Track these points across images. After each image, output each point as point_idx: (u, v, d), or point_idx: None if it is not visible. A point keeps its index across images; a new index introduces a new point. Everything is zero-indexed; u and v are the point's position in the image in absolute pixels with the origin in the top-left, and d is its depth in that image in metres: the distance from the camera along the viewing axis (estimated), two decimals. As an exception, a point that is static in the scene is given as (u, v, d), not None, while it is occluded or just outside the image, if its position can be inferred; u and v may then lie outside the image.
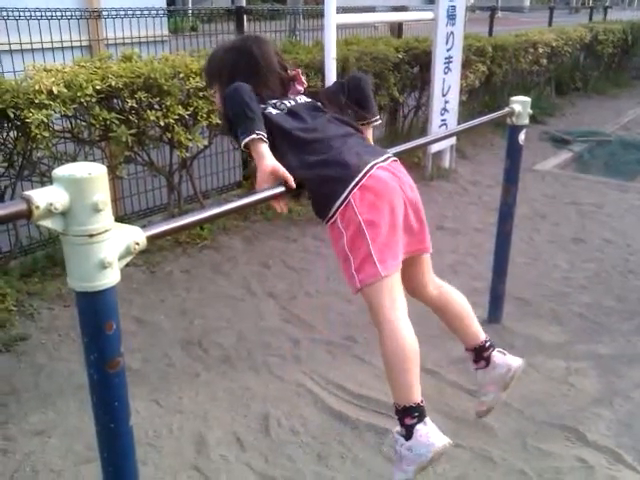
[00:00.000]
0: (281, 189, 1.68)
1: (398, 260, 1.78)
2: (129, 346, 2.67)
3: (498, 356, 1.95)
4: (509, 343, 2.84)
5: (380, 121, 2.09)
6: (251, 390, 2.48)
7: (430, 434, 1.67)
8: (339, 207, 1.73)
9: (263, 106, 1.81)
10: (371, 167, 1.75)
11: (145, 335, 2.86)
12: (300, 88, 1.97)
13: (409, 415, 1.69)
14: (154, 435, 2.22)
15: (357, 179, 1.72)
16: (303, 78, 1.99)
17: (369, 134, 2.05)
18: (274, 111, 1.82)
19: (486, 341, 1.94)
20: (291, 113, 1.83)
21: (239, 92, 1.70)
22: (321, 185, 1.74)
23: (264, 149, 1.68)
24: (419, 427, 1.68)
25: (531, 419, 2.33)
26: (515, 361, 1.94)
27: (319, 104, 1.93)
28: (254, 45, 1.93)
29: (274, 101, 1.86)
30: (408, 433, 1.69)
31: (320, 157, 1.74)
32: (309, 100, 1.94)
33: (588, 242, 4.05)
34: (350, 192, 1.71)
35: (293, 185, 1.68)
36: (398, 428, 1.75)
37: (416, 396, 1.70)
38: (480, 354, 1.92)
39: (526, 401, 2.43)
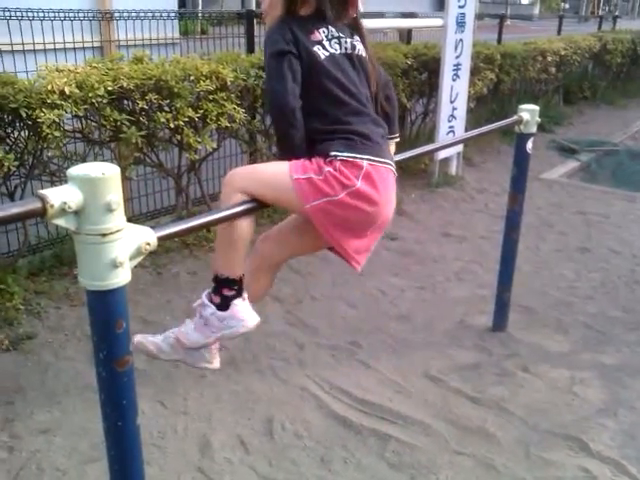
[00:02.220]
0: None
1: (363, 247, 1.73)
2: (135, 346, 2.68)
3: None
4: (514, 351, 2.84)
5: (399, 139, 1.96)
6: (255, 393, 2.49)
7: (245, 311, 1.69)
8: (348, 158, 1.59)
9: (316, 39, 1.65)
10: (386, 163, 1.68)
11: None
12: (352, 14, 1.78)
13: (228, 287, 1.69)
14: (159, 436, 2.23)
15: (377, 158, 1.63)
16: (360, 4, 1.76)
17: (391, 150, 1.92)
18: (322, 53, 1.65)
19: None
20: (339, 61, 1.68)
21: (286, 120, 1.61)
22: (343, 135, 1.64)
23: None
24: (237, 302, 1.69)
25: (534, 428, 2.33)
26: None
27: (363, 57, 1.77)
28: None
29: (325, 33, 1.68)
30: (223, 303, 1.69)
31: (350, 125, 1.65)
32: (359, 48, 1.77)
33: (594, 252, 4.05)
34: (366, 160, 1.61)
35: None
36: (210, 295, 1.72)
37: (240, 271, 1.71)
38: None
39: (530, 410, 2.43)
